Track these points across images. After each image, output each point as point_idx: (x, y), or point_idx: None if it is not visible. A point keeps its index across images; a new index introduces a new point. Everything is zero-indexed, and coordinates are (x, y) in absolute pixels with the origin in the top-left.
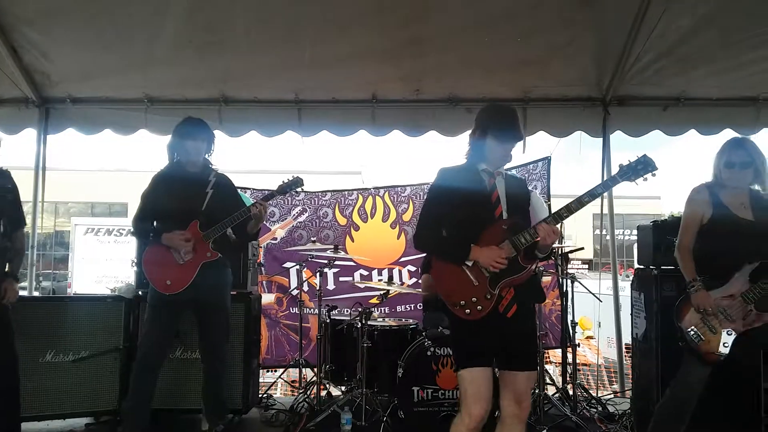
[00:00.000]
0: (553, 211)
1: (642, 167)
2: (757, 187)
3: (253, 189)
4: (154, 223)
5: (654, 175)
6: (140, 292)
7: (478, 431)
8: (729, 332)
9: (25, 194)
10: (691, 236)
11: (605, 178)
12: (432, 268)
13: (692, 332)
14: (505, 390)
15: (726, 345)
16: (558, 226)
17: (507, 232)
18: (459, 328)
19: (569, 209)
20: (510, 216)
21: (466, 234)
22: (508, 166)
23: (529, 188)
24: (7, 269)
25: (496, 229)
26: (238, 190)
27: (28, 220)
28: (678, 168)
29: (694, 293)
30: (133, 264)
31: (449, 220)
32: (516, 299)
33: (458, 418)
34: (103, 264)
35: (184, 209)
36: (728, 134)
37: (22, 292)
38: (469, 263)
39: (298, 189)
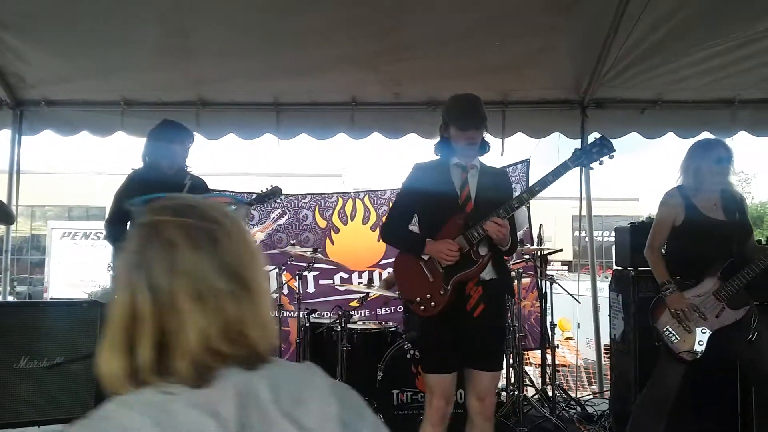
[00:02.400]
0: (531, 211)
1: (597, 150)
2: (724, 186)
3: (232, 192)
4: (128, 225)
5: (611, 157)
6: None
7: (443, 428)
8: (703, 331)
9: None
10: (662, 238)
11: (557, 165)
12: (394, 264)
13: (668, 332)
14: (469, 388)
15: (701, 343)
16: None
17: (462, 227)
18: (426, 327)
19: (520, 200)
20: (477, 209)
21: (432, 230)
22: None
23: None
24: None
25: (453, 223)
26: (215, 193)
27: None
28: (656, 170)
29: (669, 295)
30: (110, 268)
31: (421, 217)
32: (483, 298)
33: (424, 417)
34: (80, 268)
35: None
36: (706, 137)
37: None
38: (425, 257)
39: (277, 199)
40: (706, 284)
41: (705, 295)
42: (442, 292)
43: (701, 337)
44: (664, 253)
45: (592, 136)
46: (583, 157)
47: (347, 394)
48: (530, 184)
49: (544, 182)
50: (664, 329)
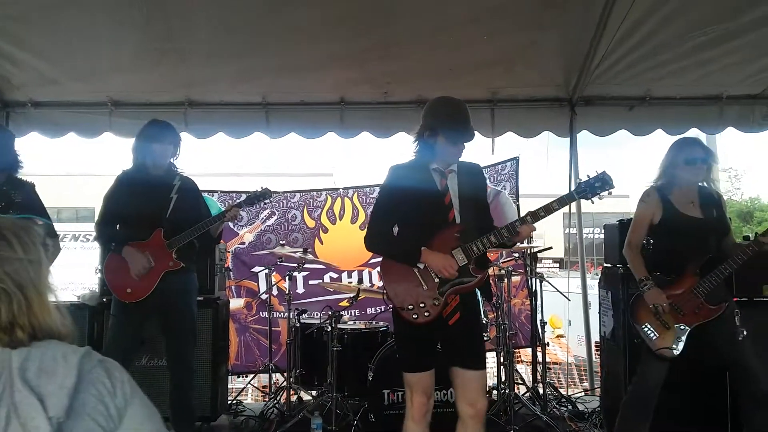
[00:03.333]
0: (521, 210)
1: (600, 185)
2: (704, 183)
3: (221, 192)
4: (117, 227)
5: (610, 193)
6: (104, 300)
7: (425, 423)
8: (682, 327)
9: None
10: (639, 236)
11: (563, 194)
12: (381, 267)
13: (646, 329)
14: (457, 391)
15: (680, 339)
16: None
17: (459, 240)
18: (402, 330)
19: (524, 221)
20: (463, 218)
21: (417, 236)
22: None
23: (498, 188)
24: None
25: (448, 235)
26: (204, 194)
27: None
28: (647, 166)
29: (647, 291)
30: (97, 271)
31: (401, 221)
32: (459, 307)
33: (405, 415)
34: (69, 270)
35: (148, 215)
36: (695, 133)
37: None
38: (420, 266)
39: (266, 200)
40: (684, 280)
41: (683, 292)
42: (436, 302)
43: (680, 334)
44: (650, 250)
45: (594, 171)
46: (587, 191)
47: (99, 373)
48: (519, 188)
49: (549, 209)
50: (643, 326)
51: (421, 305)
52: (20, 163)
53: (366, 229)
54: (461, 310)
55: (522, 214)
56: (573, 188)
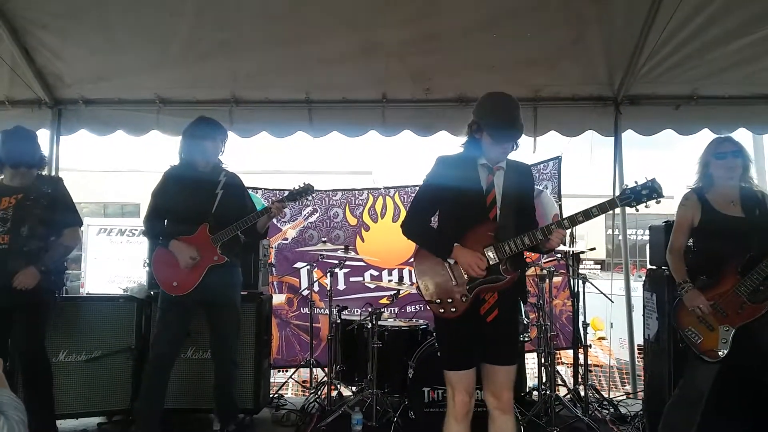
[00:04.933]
0: (564, 211)
1: (647, 193)
2: (743, 184)
3: (264, 189)
4: (165, 222)
5: (659, 202)
6: (152, 293)
7: (467, 422)
8: (726, 328)
9: None
10: (681, 240)
11: (605, 200)
12: (415, 258)
13: (690, 332)
14: (486, 384)
15: (725, 341)
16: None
17: (493, 239)
18: (441, 327)
19: (561, 227)
20: (503, 217)
21: (455, 230)
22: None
23: (540, 188)
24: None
25: (483, 232)
26: (249, 190)
27: None
28: (692, 167)
29: (686, 294)
30: (145, 264)
31: (441, 213)
32: (498, 304)
33: (447, 414)
34: (115, 264)
35: (194, 211)
36: (743, 133)
37: None
38: (451, 261)
39: (309, 197)
40: (725, 281)
41: (725, 292)
42: (463, 299)
43: (725, 335)
44: (694, 251)
45: (643, 177)
46: (632, 197)
47: None
48: (561, 188)
49: (588, 214)
50: (687, 329)
51: (449, 300)
52: (44, 160)
53: (405, 215)
54: (500, 308)
55: (564, 216)
56: (617, 194)
